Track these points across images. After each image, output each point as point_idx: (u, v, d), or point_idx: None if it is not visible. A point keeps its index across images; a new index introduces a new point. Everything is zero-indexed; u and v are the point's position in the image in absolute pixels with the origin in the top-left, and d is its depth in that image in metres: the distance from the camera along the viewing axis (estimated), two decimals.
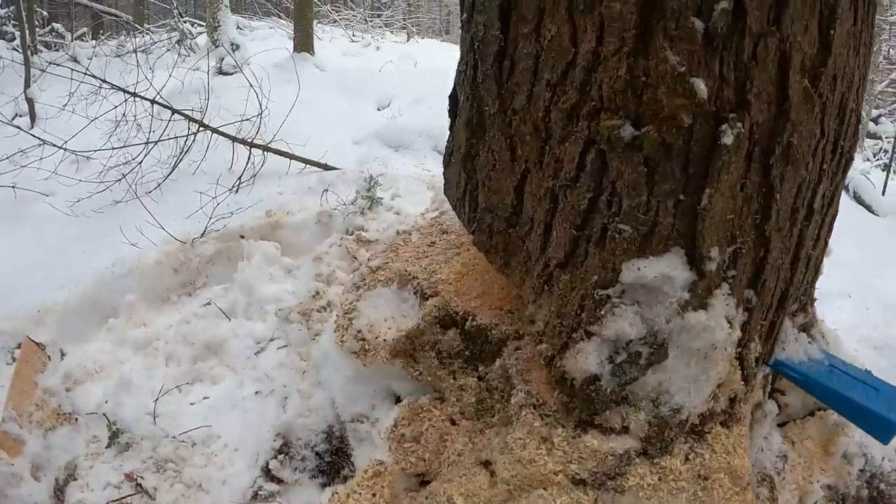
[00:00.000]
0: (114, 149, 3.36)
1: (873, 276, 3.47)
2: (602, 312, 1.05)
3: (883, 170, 7.21)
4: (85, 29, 9.36)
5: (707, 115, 0.99)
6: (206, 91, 3.96)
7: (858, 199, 5.11)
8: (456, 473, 1.22)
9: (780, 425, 1.57)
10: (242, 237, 2.76)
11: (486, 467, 1.20)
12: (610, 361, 1.08)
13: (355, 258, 2.16)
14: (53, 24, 8.52)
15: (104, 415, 1.86)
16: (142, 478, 1.67)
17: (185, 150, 3.44)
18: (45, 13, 9.14)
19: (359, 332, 1.56)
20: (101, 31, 9.25)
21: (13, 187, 3.17)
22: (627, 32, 0.98)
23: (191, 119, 3.49)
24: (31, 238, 2.91)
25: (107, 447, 1.79)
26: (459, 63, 1.36)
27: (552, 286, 1.15)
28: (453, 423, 1.41)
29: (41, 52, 6.58)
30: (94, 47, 5.65)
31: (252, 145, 3.47)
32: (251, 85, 3.56)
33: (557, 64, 1.08)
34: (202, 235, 2.65)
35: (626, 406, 1.12)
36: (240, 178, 3.30)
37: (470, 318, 1.44)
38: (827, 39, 1.07)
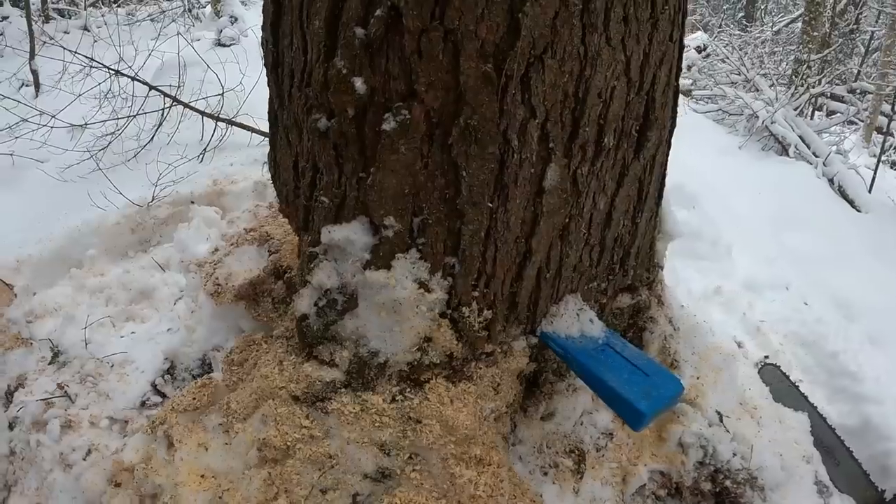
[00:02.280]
0: (86, 124, 3.83)
1: (830, 271, 3.33)
2: (312, 266, 1.39)
3: (892, 167, 6.88)
4: None
5: (378, 107, 1.22)
6: (203, 65, 4.38)
7: (842, 193, 5.01)
8: (241, 387, 1.61)
9: None
10: (193, 202, 3.20)
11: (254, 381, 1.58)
12: (315, 305, 1.40)
13: None
14: None
15: (49, 340, 2.36)
16: (67, 386, 2.15)
17: (160, 123, 3.89)
18: None
19: (217, 278, 1.96)
20: None
21: (12, 155, 3.71)
22: (322, 44, 1.27)
23: (164, 94, 3.91)
24: (24, 201, 3.44)
25: (49, 364, 2.29)
26: None
27: (301, 247, 1.50)
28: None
29: (54, 20, 6.98)
30: (104, 15, 6.08)
31: (217, 119, 3.87)
32: (217, 62, 3.94)
33: (297, 70, 1.39)
34: (153, 200, 3.09)
35: (334, 344, 1.41)
36: (204, 150, 3.72)
37: (290, 271, 1.81)
38: (516, 24, 1.12)
